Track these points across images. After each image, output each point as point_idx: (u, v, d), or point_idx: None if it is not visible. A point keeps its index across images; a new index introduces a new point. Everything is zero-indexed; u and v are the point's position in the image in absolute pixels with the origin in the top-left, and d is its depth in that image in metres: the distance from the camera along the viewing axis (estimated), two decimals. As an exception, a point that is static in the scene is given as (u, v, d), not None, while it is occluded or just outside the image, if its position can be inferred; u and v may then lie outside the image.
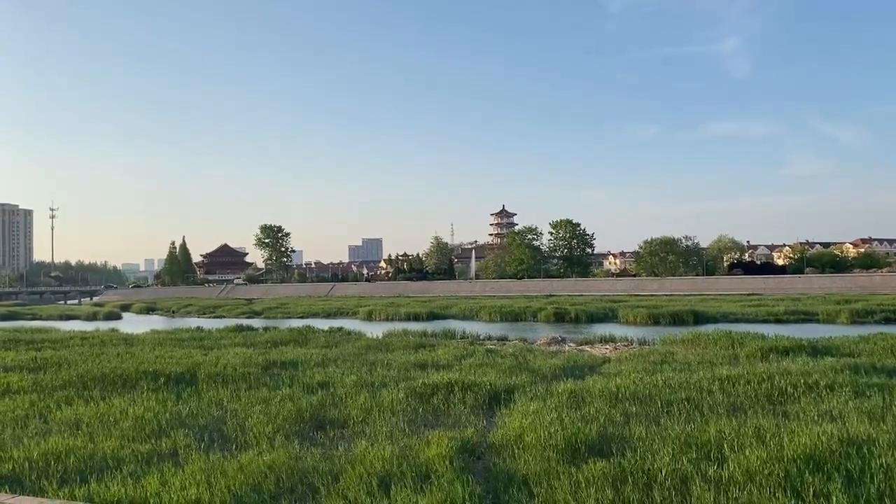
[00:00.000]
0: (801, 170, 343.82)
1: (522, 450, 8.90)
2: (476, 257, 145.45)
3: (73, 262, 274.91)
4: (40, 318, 65.87)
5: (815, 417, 10.42)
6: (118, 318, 68.55)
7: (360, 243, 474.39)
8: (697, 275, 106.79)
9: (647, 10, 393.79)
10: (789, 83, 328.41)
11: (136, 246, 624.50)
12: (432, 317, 54.44)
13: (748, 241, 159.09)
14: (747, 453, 8.08)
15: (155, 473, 8.09)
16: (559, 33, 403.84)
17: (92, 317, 68.22)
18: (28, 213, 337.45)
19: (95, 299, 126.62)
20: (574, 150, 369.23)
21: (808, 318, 44.18)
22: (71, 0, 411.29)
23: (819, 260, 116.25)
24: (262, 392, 13.69)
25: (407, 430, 10.27)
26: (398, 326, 38.29)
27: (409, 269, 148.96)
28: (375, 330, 33.85)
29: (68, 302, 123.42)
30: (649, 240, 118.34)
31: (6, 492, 7.51)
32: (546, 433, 9.17)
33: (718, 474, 7.49)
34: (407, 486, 7.42)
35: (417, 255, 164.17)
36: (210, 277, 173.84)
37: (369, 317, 56.65)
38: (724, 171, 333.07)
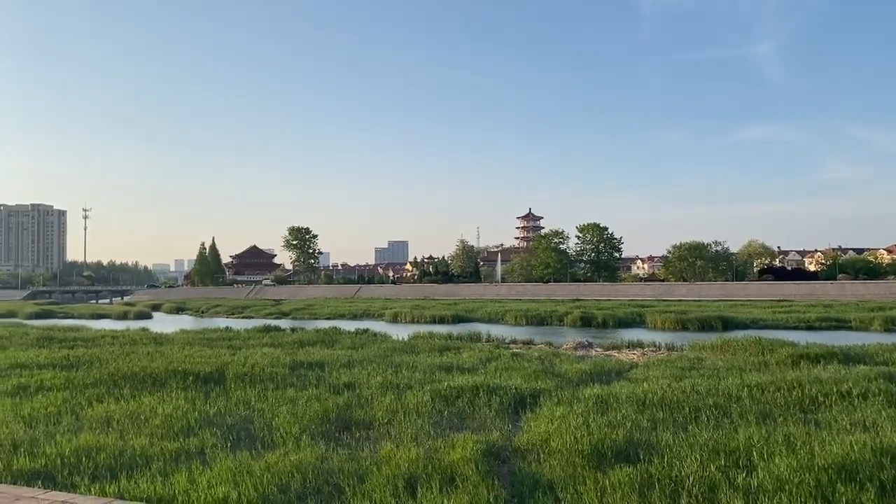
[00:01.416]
0: (834, 175, 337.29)
1: (548, 454, 8.85)
2: (502, 260, 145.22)
3: (104, 262, 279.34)
4: (73, 317, 67.15)
5: (848, 426, 10.22)
6: (148, 317, 69.52)
7: (387, 245, 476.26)
8: (727, 280, 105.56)
9: (679, 13, 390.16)
10: (824, 87, 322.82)
11: (167, 246, 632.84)
12: (458, 320, 54.46)
13: (779, 247, 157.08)
14: (777, 461, 7.95)
15: (183, 471, 8.18)
16: (590, 36, 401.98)
17: (123, 316, 69.32)
18: (62, 214, 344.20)
19: (126, 299, 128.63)
20: (603, 154, 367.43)
21: (840, 325, 43.43)
22: (101, 3, 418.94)
23: (852, 266, 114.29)
24: (288, 392, 13.78)
25: (432, 433, 10.27)
26: (424, 329, 38.35)
27: (435, 271, 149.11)
28: (401, 332, 33.94)
29: (100, 301, 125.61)
30: (678, 244, 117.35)
31: (39, 487, 7.65)
32: (572, 438, 9.12)
33: (747, 482, 7.39)
34: (433, 489, 7.42)
35: (443, 257, 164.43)
36: (239, 278, 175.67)
37: (395, 319, 56.83)
38: (756, 176, 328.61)
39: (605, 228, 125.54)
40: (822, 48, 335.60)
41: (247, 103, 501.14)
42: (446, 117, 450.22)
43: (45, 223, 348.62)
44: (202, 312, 78.61)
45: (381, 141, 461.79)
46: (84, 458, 8.78)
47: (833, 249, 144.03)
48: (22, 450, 9.22)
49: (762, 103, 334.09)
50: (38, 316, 69.32)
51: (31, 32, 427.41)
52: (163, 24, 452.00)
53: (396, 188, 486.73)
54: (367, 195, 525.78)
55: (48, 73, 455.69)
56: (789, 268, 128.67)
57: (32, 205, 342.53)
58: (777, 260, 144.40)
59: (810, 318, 45.35)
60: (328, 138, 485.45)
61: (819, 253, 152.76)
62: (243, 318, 66.30)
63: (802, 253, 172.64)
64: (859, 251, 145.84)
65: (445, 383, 14.13)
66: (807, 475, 7.42)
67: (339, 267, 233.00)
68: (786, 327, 42.27)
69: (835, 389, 12.83)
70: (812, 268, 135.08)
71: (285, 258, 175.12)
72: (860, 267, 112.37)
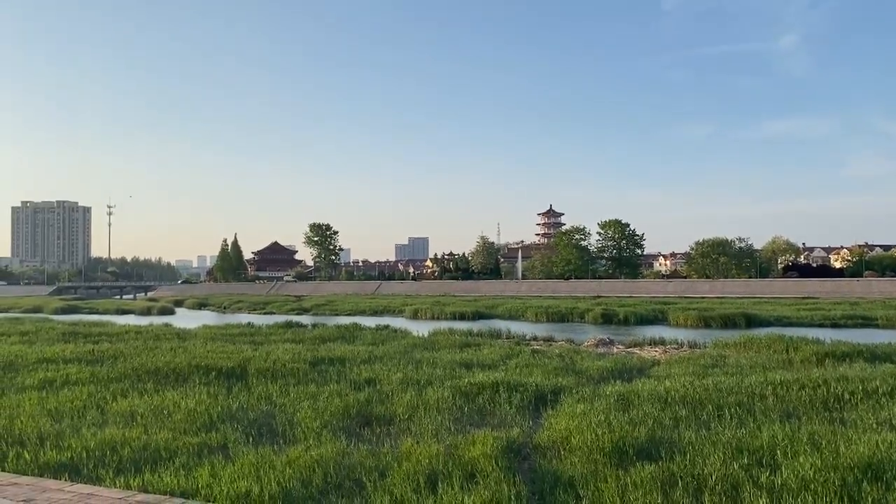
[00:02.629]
0: (861, 169, 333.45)
1: (569, 451, 8.83)
2: (522, 257, 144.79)
3: (128, 259, 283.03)
4: (97, 312, 68.08)
5: (874, 425, 10.09)
6: (171, 313, 70.32)
7: (407, 242, 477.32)
8: (750, 277, 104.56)
9: (701, 8, 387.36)
10: (851, 81, 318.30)
11: (189, 243, 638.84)
12: (478, 316, 54.48)
13: (804, 243, 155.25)
14: (801, 460, 7.87)
15: (206, 465, 8.26)
16: (612, 32, 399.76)
17: (146, 311, 70.17)
18: (87, 210, 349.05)
19: (150, 294, 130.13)
20: (625, 150, 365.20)
21: (866, 322, 42.81)
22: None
23: (879, 263, 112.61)
24: (310, 388, 13.87)
25: (452, 429, 10.29)
26: (444, 325, 38.39)
27: (455, 268, 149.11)
28: (421, 328, 34.00)
29: (124, 297, 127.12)
30: (701, 241, 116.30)
31: (65, 479, 7.77)
32: (593, 435, 9.09)
33: (771, 481, 7.31)
34: (453, 485, 7.43)
35: (463, 254, 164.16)
36: (261, 274, 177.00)
37: (415, 315, 56.94)
38: (780, 171, 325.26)
39: (627, 225, 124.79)
40: (847, 40, 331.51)
41: (269, 101, 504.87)
42: (467, 114, 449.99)
43: (70, 220, 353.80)
44: (224, 308, 79.29)
45: (402, 138, 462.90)
46: (109, 452, 8.90)
47: (859, 246, 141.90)
48: (48, 443, 9.38)
49: (787, 97, 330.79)
50: (63, 311, 70.43)
51: (55, 30, 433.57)
52: (185, 22, 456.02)
53: (417, 185, 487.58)
54: (389, 191, 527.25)
55: (73, 71, 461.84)
56: (814, 265, 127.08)
57: (58, 202, 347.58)
58: (802, 257, 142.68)
59: (836, 316, 44.76)
60: (350, 136, 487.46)
61: (845, 249, 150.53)
62: (265, 314, 66.77)
63: (828, 250, 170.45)
64: (886, 248, 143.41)
65: (466, 380, 14.14)
66: (832, 474, 7.34)
67: (360, 263, 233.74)
68: (810, 325, 41.75)
69: (860, 388, 12.66)
70: (838, 265, 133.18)
71: (306, 254, 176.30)
72: (887, 264, 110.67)
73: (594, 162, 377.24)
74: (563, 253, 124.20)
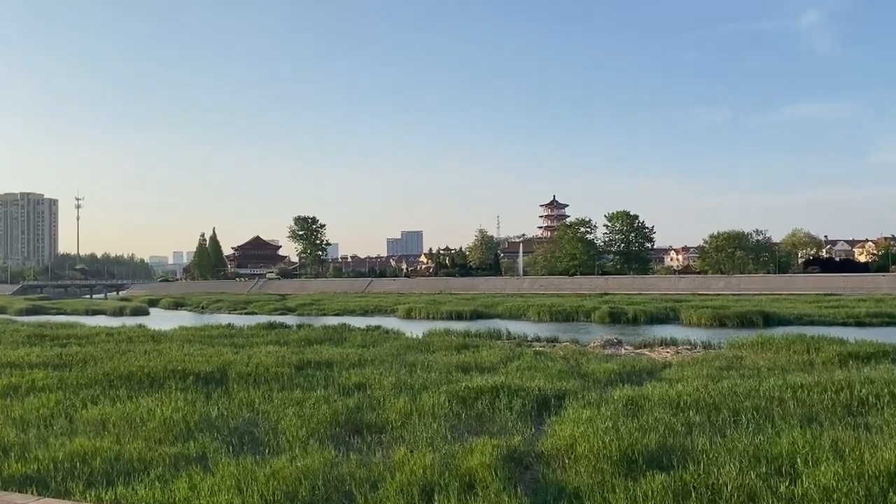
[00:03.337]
0: (888, 157, 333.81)
1: (574, 460, 8.85)
2: (524, 252, 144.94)
3: (98, 255, 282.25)
4: (65, 313, 67.99)
5: (901, 431, 10.13)
6: (145, 313, 70.21)
7: (400, 236, 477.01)
8: (769, 272, 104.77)
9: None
10: (877, 60, 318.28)
11: (164, 238, 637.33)
12: (476, 316, 54.53)
13: (826, 236, 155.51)
14: (823, 468, 7.90)
15: (183, 478, 8.26)
16: (620, 8, 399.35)
17: (118, 312, 70.05)
18: (53, 203, 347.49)
19: (122, 294, 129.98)
20: (634, 136, 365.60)
21: (893, 321, 42.96)
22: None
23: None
24: (295, 393, 13.88)
25: (449, 437, 10.31)
26: (439, 326, 38.42)
27: (452, 264, 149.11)
28: (415, 329, 34.02)
29: (94, 296, 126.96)
30: (715, 234, 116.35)
31: (32, 493, 7.76)
32: (600, 443, 9.11)
33: (791, 491, 7.34)
34: (450, 497, 7.45)
35: (460, 249, 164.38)
36: (241, 271, 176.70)
37: (409, 315, 56.97)
38: (801, 158, 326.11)
39: (636, 217, 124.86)
40: (873, 16, 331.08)
41: (248, 87, 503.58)
42: (464, 97, 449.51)
43: (35, 213, 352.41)
44: (202, 308, 79.24)
45: (394, 124, 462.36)
46: (79, 463, 8.89)
47: (886, 238, 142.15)
48: (13, 454, 9.36)
49: (808, 79, 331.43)
50: (28, 312, 70.27)
51: (17, 18, 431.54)
52: (161, 7, 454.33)
53: (411, 174, 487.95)
54: (380, 182, 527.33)
55: (37, 58, 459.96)
56: (837, 259, 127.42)
57: (22, 194, 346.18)
58: (824, 250, 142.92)
59: (860, 314, 44.88)
60: (336, 123, 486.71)
61: (870, 242, 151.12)
62: (246, 314, 66.74)
63: (852, 243, 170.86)
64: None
65: (463, 384, 14.16)
66: (855, 483, 7.37)
67: (349, 259, 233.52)
68: (833, 323, 41.89)
69: (887, 391, 12.69)
70: (862, 259, 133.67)
71: (291, 250, 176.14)
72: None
73: (601, 150, 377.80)
74: (567, 247, 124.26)
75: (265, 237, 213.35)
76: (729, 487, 7.45)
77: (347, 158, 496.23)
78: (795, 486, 7.48)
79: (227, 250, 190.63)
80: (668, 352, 25.69)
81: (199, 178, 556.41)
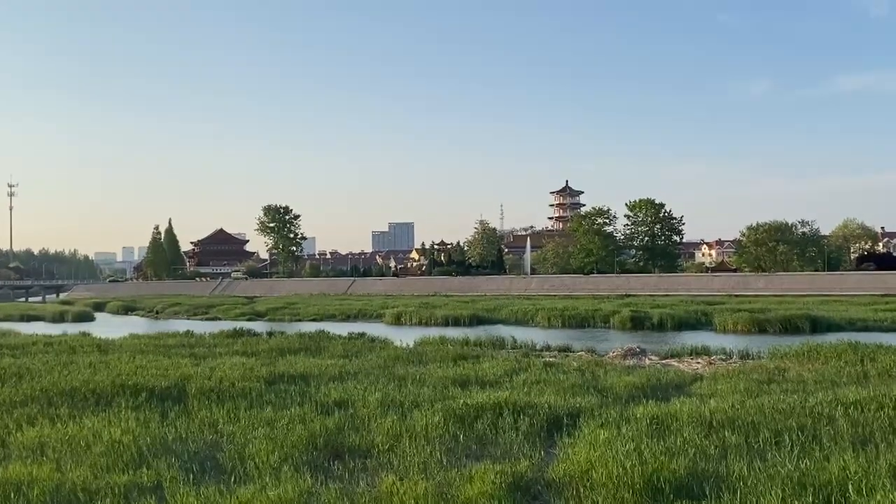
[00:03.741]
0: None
1: (590, 489, 8.87)
2: (532, 247, 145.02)
3: (35, 251, 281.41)
4: (-3, 319, 67.70)
5: (970, 454, 10.17)
6: (90, 319, 70.12)
7: (387, 229, 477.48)
8: (816, 270, 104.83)
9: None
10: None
11: (113, 231, 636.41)
12: (476, 321, 54.57)
13: (882, 228, 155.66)
14: (879, 498, 7.93)
15: (135, 510, 8.25)
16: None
17: (59, 317, 69.94)
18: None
19: (63, 296, 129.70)
20: (660, 113, 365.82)
21: (961, 326, 43.11)
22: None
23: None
24: (265, 412, 13.87)
25: (445, 462, 10.32)
26: (434, 333, 38.41)
27: (448, 261, 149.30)
28: (405, 337, 34.02)
29: (30, 299, 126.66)
30: (754, 226, 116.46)
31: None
32: (620, 468, 9.12)
33: (842, 524, 7.37)
34: (444, 532, 7.45)
35: (458, 243, 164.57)
36: (202, 270, 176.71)
37: (398, 320, 57.02)
38: (854, 137, 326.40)
39: (662, 206, 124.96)
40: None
41: (210, 55, 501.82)
42: (463, 69, 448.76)
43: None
44: (157, 313, 79.11)
45: (380, 100, 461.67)
46: (13, 494, 8.87)
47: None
48: (-64, 484, 9.34)
49: (863, 45, 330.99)
50: (-47, 318, 70.05)
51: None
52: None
53: (399, 159, 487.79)
54: (362, 167, 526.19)
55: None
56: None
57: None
58: (880, 244, 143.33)
59: (922, 318, 45.01)
60: (314, 99, 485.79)
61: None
62: (208, 319, 66.73)
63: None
64: None
65: (461, 400, 14.17)
66: (917, 515, 7.39)
67: (328, 255, 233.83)
68: (891, 329, 42.01)
69: (953, 407, 12.74)
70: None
71: (260, 245, 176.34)
72: None
73: (621, 129, 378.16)
74: (582, 241, 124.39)
75: (230, 230, 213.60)
76: (770, 520, 7.47)
77: (325, 139, 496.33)
78: (847, 518, 7.51)
79: (185, 245, 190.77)
80: (699, 363, 25.72)
81: (153, 160, 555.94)
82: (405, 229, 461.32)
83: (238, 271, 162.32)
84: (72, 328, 49.86)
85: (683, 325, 47.28)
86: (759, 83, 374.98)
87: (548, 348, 31.71)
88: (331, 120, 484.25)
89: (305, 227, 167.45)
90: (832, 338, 29.56)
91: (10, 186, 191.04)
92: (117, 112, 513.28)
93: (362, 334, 35.70)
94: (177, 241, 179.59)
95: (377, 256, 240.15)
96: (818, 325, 43.33)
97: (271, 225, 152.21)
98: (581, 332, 45.84)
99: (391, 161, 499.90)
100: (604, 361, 25.19)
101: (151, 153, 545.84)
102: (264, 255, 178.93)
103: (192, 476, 9.81)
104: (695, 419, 12.42)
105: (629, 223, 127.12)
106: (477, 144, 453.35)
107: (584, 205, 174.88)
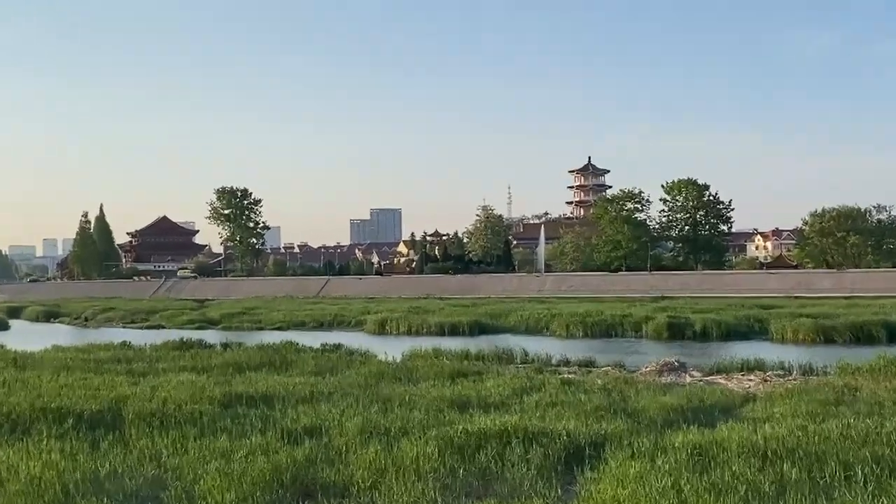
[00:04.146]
0: None
1: (618, 534, 8.89)
2: (546, 238, 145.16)
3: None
4: None
5: None
6: (4, 327, 69.91)
7: (369, 217, 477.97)
8: (895, 266, 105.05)
9: None
10: None
11: (31, 221, 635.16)
12: (479, 329, 54.44)
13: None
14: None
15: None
16: None
17: (-36, 326, 69.71)
18: None
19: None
20: (703, 74, 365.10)
21: None
22: None
23: None
24: (220, 441, 13.86)
25: (440, 502, 10.32)
26: (426, 344, 38.39)
27: (444, 255, 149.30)
28: (391, 349, 34.02)
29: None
30: (819, 212, 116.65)
31: None
32: (655, 509, 9.15)
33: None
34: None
35: (456, 234, 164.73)
36: (142, 267, 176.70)
37: (382, 329, 56.94)
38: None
39: (706, 187, 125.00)
40: None
41: (153, 15, 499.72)
42: (462, 22, 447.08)
43: None
44: (86, 320, 78.94)
45: (361, 62, 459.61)
46: None
47: None
48: None
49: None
50: None
51: None
52: None
53: (385, 132, 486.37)
54: (338, 142, 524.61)
55: None
56: None
57: None
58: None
59: None
60: (275, 62, 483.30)
61: None
62: (149, 328, 66.56)
63: None
64: None
65: (460, 427, 14.16)
66: None
67: (296, 250, 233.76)
68: None
69: None
70: None
71: (212, 236, 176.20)
72: None
73: (656, 94, 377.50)
74: (608, 231, 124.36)
75: (176, 218, 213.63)
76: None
77: (294, 109, 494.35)
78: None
79: (121, 237, 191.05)
80: (751, 380, 25.76)
81: (83, 138, 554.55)
82: (391, 217, 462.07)
83: (186, 269, 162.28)
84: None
85: (732, 333, 47.25)
86: (824, 37, 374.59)
87: (566, 362, 31.74)
88: (297, 86, 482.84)
89: (269, 216, 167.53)
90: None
91: None
92: (36, 79, 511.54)
93: (338, 346, 35.66)
94: (110, 232, 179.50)
95: (356, 250, 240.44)
96: (897, 334, 43.37)
97: (226, 212, 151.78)
98: (607, 342, 45.83)
99: (373, 135, 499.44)
100: (635, 378, 25.21)
101: (78, 127, 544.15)
102: (218, 248, 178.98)
103: (129, 520, 9.82)
104: (746, 449, 12.43)
105: (666, 209, 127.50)
106: (480, 116, 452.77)
107: (610, 186, 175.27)
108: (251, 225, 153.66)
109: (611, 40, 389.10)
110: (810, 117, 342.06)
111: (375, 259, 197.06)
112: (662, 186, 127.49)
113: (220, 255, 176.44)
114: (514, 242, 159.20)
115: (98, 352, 32.04)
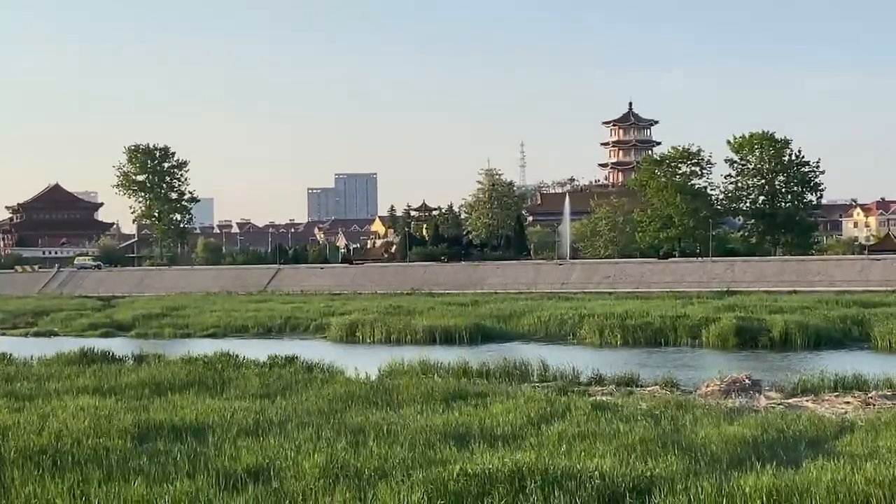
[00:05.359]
0: None
1: None
2: (573, 213, 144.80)
3: None
4: None
5: None
6: None
7: (332, 184, 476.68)
8: None
9: None
10: None
11: None
12: (482, 335, 54.58)
13: None
14: None
15: None
16: None
17: None
18: None
19: None
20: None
21: None
22: None
23: None
24: (133, 488, 13.85)
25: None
26: (411, 355, 38.44)
27: (435, 236, 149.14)
28: (364, 362, 34.08)
29: None
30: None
31: None
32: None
33: None
34: None
35: (450, 208, 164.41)
36: (27, 253, 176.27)
37: (351, 335, 56.99)
38: None
39: (787, 143, 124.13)
40: None
41: None
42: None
43: None
44: (-49, 324, 79.06)
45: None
46: None
47: None
48: None
49: None
50: None
51: None
52: None
53: (350, 66, 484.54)
54: (289, 81, 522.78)
55: None
56: None
57: None
58: None
59: None
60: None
61: None
62: (37, 335, 66.60)
63: None
64: None
65: (456, 467, 14.18)
66: None
67: (235, 229, 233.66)
68: None
69: None
70: None
71: (122, 211, 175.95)
72: None
73: (718, 22, 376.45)
74: (655, 203, 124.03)
75: (72, 187, 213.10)
76: None
77: (230, 56, 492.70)
78: None
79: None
80: (847, 402, 25.83)
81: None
82: (362, 185, 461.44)
83: (86, 255, 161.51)
84: None
85: (822, 340, 47.40)
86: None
87: (599, 380, 31.82)
88: (245, 23, 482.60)
89: (198, 185, 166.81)
90: None
91: None
92: None
93: (293, 359, 35.66)
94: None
95: (316, 229, 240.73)
96: None
97: (140, 178, 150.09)
98: (653, 352, 45.96)
99: (339, 69, 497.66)
100: (691, 401, 25.27)
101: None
102: (129, 227, 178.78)
103: None
104: (840, 495, 12.48)
105: (734, 173, 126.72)
106: (481, 49, 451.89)
107: (658, 143, 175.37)
108: (174, 196, 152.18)
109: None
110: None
111: (342, 242, 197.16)
112: (729, 143, 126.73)
113: (132, 236, 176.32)
114: (530, 219, 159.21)
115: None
